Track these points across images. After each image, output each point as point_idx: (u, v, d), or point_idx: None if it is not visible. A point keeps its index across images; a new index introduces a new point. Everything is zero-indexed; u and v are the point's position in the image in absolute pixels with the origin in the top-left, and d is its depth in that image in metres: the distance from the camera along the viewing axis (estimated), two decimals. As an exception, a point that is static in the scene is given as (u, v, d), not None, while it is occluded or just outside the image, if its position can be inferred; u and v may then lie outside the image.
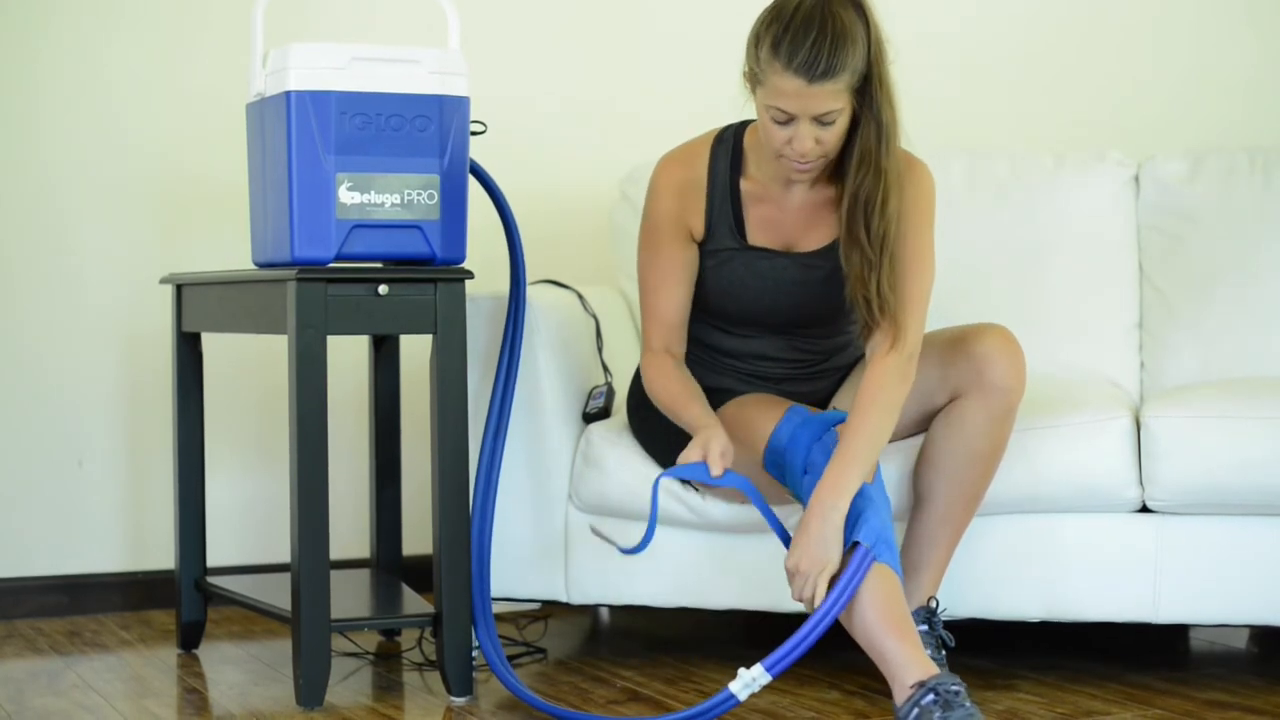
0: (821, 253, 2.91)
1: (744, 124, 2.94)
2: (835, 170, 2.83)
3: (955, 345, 2.87)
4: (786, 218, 2.91)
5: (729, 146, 2.92)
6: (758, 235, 2.91)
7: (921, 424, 2.93)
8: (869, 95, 2.71)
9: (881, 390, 2.75)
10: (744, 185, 2.91)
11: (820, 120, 2.69)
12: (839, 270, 2.86)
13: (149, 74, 3.73)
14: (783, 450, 2.81)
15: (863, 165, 2.75)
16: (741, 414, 2.91)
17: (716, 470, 2.70)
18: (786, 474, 2.81)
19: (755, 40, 2.72)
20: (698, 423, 2.81)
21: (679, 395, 2.89)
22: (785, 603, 3.04)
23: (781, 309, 2.93)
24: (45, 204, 3.68)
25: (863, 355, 3.05)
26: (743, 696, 2.63)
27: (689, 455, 2.74)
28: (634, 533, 3.12)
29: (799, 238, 2.92)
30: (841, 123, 2.71)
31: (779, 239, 2.92)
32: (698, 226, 2.92)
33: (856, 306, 2.81)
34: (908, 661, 2.59)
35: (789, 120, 2.70)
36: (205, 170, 3.74)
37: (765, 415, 2.86)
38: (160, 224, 3.75)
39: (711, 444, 2.73)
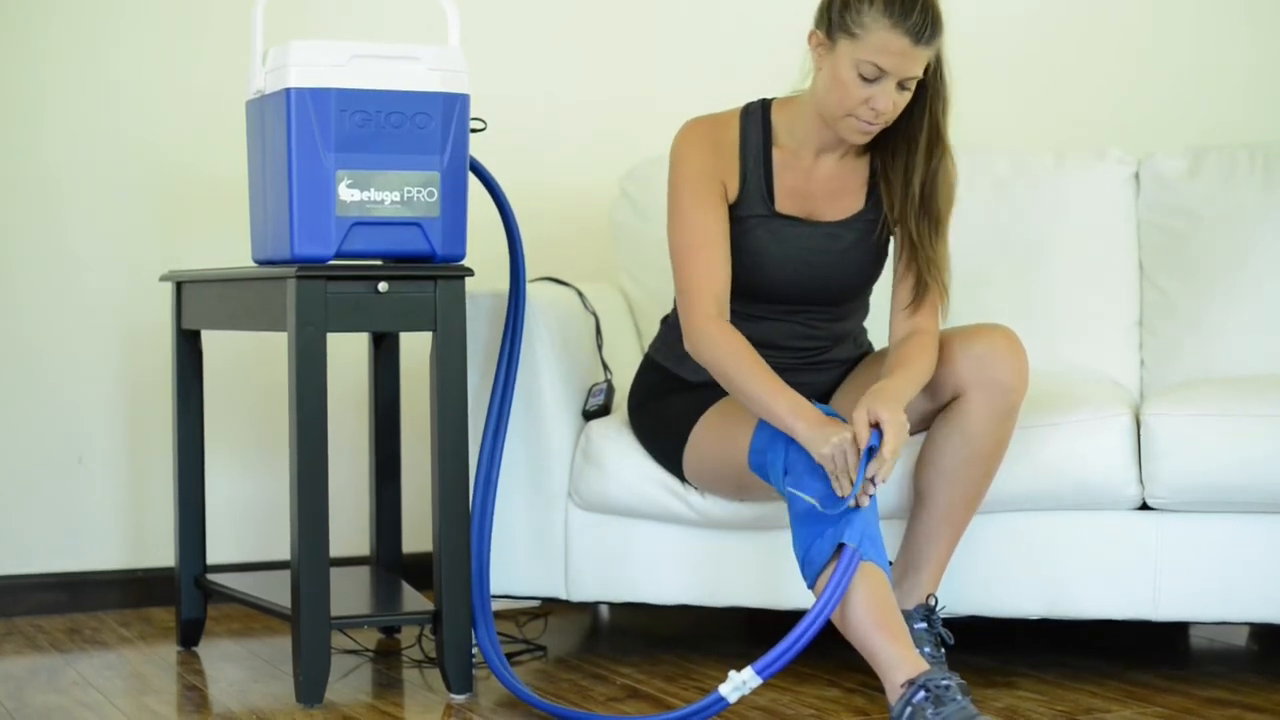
0: (845, 223, 2.95)
1: (767, 101, 2.97)
2: (871, 141, 2.90)
3: (958, 344, 2.86)
4: (813, 187, 2.94)
5: (758, 118, 2.95)
6: (785, 203, 2.94)
7: (923, 423, 2.93)
8: (939, 70, 2.84)
9: (927, 350, 2.83)
10: (775, 153, 2.93)
11: (902, 84, 2.78)
12: (861, 241, 2.95)
13: (149, 72, 3.73)
14: (764, 451, 2.81)
15: (935, 139, 2.88)
16: (724, 420, 2.92)
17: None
18: (770, 474, 2.81)
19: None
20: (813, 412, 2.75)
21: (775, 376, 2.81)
22: (785, 600, 3.05)
23: (800, 279, 2.94)
24: (46, 202, 3.68)
25: (864, 354, 3.08)
26: (733, 699, 2.62)
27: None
28: (633, 531, 3.13)
29: (824, 208, 2.95)
30: (913, 89, 2.81)
31: (804, 208, 2.94)
32: (732, 186, 2.93)
33: (920, 268, 2.88)
34: (898, 661, 2.59)
35: (877, 78, 2.77)
36: (205, 168, 3.73)
37: (746, 419, 2.86)
38: (160, 221, 3.74)
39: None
